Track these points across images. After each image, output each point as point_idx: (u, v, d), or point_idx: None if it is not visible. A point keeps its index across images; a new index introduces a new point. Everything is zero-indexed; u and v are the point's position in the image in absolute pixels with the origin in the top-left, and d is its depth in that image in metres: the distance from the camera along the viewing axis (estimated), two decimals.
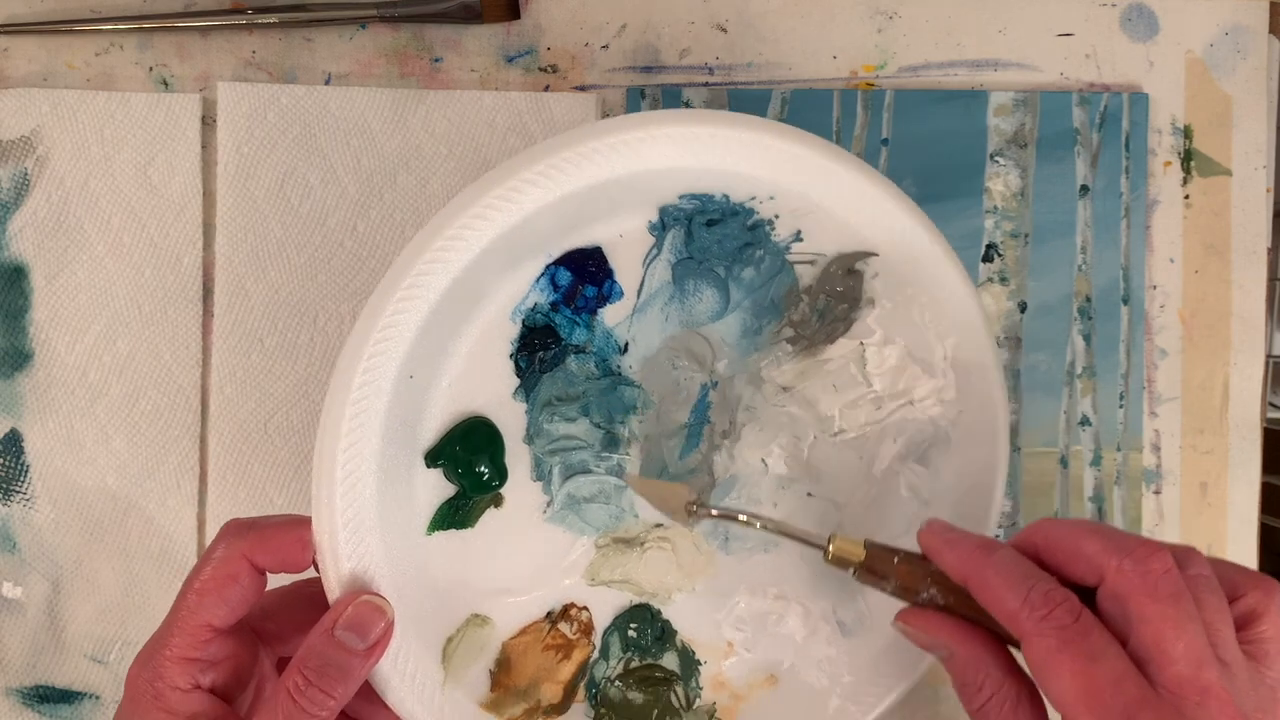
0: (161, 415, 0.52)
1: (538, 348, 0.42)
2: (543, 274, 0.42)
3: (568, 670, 0.43)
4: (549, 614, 0.43)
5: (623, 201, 0.41)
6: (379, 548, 0.39)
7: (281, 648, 0.41)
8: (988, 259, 0.53)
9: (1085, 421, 0.53)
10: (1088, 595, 0.33)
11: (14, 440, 0.52)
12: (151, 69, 0.52)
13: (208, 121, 0.52)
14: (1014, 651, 0.35)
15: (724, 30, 0.53)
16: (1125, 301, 0.53)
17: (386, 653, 0.38)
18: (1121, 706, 0.30)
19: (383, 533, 0.39)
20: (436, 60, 0.53)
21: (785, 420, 0.44)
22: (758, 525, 0.40)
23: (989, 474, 0.42)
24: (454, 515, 0.42)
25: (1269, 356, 0.54)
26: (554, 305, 0.42)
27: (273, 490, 0.52)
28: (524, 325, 0.42)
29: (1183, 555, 0.33)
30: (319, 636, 0.36)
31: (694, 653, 0.44)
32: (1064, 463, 0.53)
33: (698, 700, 0.44)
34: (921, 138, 0.53)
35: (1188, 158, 0.54)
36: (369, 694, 0.38)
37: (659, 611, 0.44)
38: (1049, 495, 0.53)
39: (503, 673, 0.42)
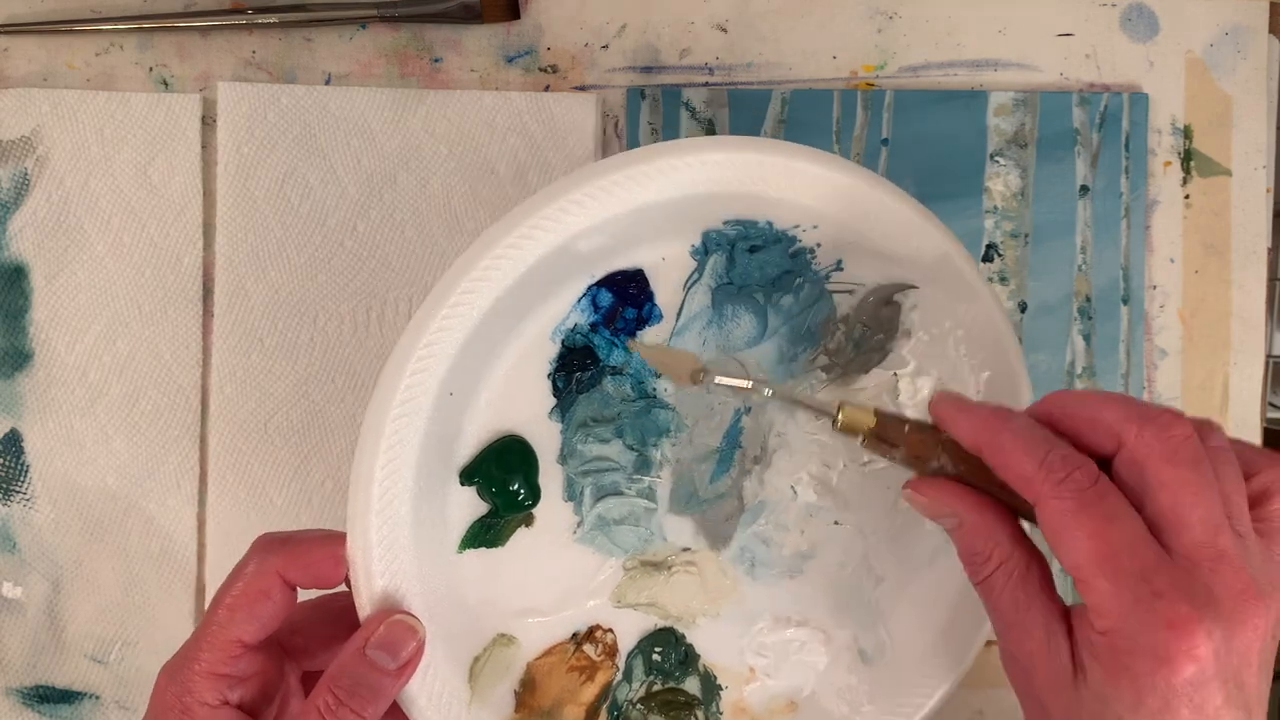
0: (161, 415, 0.52)
1: (576, 368, 0.42)
2: (584, 295, 0.42)
3: (591, 692, 0.43)
4: (574, 635, 0.43)
5: (667, 225, 0.41)
6: (411, 565, 0.39)
7: (307, 662, 0.41)
8: (988, 259, 0.53)
9: None
10: (1103, 467, 0.33)
11: (14, 440, 0.52)
12: (151, 69, 0.52)
13: (208, 121, 0.52)
14: (1024, 525, 0.35)
15: (724, 30, 0.53)
16: (1125, 301, 0.53)
17: (415, 671, 0.38)
18: (1137, 569, 0.30)
19: (415, 550, 0.39)
20: (436, 60, 0.53)
21: (816, 448, 0.43)
22: (765, 392, 0.40)
23: None
24: (485, 534, 0.42)
25: (1269, 356, 0.54)
26: (594, 326, 0.42)
27: (273, 490, 0.52)
28: (563, 345, 0.42)
29: (1202, 427, 0.33)
30: (350, 655, 0.36)
31: (716, 678, 0.44)
32: None
33: None
34: (921, 138, 0.53)
35: (1188, 158, 0.54)
36: (395, 711, 0.38)
37: (683, 635, 0.44)
38: None
39: (527, 693, 0.42)
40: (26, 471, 0.52)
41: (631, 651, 0.43)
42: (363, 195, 0.52)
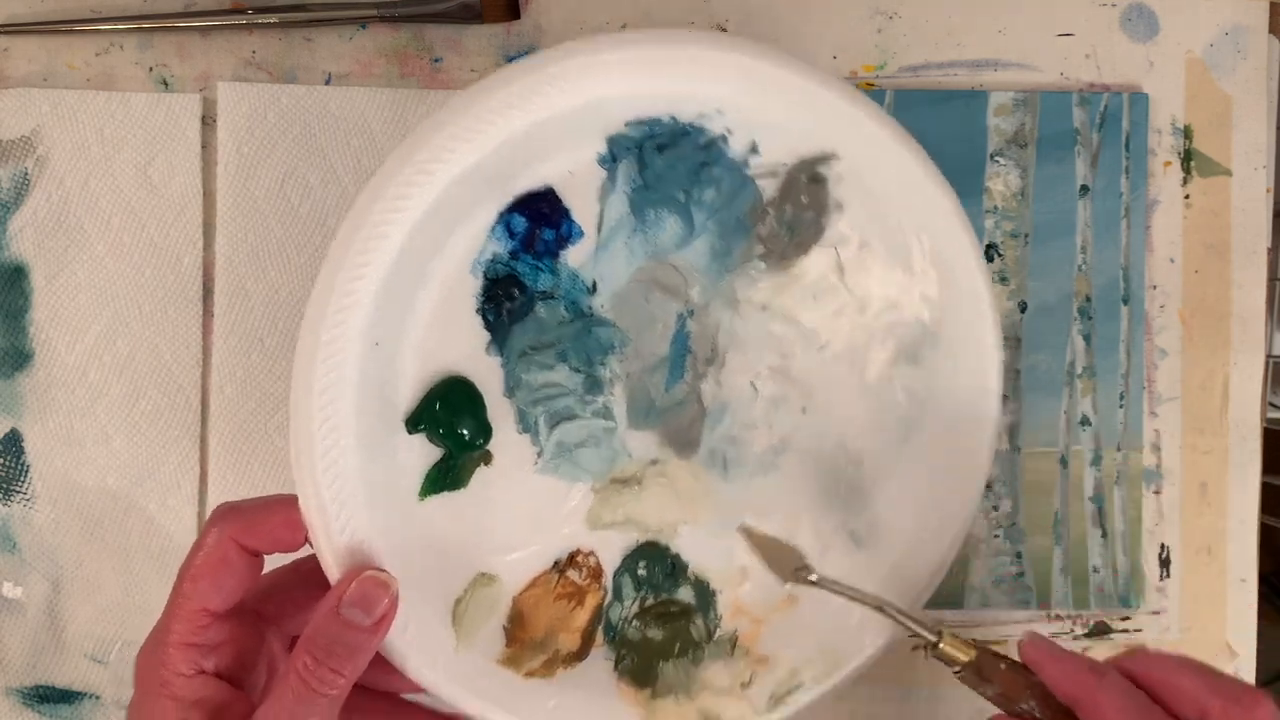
0: (161, 415, 0.52)
1: (503, 299, 0.41)
2: (497, 223, 0.41)
3: (582, 617, 0.42)
4: (556, 563, 0.42)
5: (567, 137, 0.40)
6: (371, 520, 0.39)
7: (288, 626, 0.41)
8: (988, 259, 0.53)
9: (1085, 421, 0.53)
10: None
11: (14, 440, 0.52)
12: (151, 69, 0.52)
13: (208, 121, 0.52)
14: None
15: (724, 30, 0.53)
16: (1125, 301, 0.53)
17: (395, 624, 0.38)
18: None
19: (373, 505, 0.39)
20: (436, 60, 0.53)
21: (769, 340, 0.43)
22: (871, 605, 0.40)
23: (982, 371, 0.41)
24: (444, 478, 0.41)
25: (1269, 356, 0.54)
26: (513, 253, 0.41)
27: (273, 490, 0.52)
28: (486, 278, 0.41)
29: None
30: (324, 616, 0.36)
31: (708, 583, 0.43)
32: (1064, 463, 0.53)
33: (718, 630, 0.43)
34: (921, 138, 0.53)
35: (1188, 158, 0.54)
36: (379, 661, 0.38)
37: (667, 547, 0.43)
38: (1049, 495, 0.53)
39: (517, 628, 0.42)
40: (26, 471, 0.52)
41: (617, 570, 0.43)
42: None
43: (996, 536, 0.53)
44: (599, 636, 0.42)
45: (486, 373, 0.42)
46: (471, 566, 0.41)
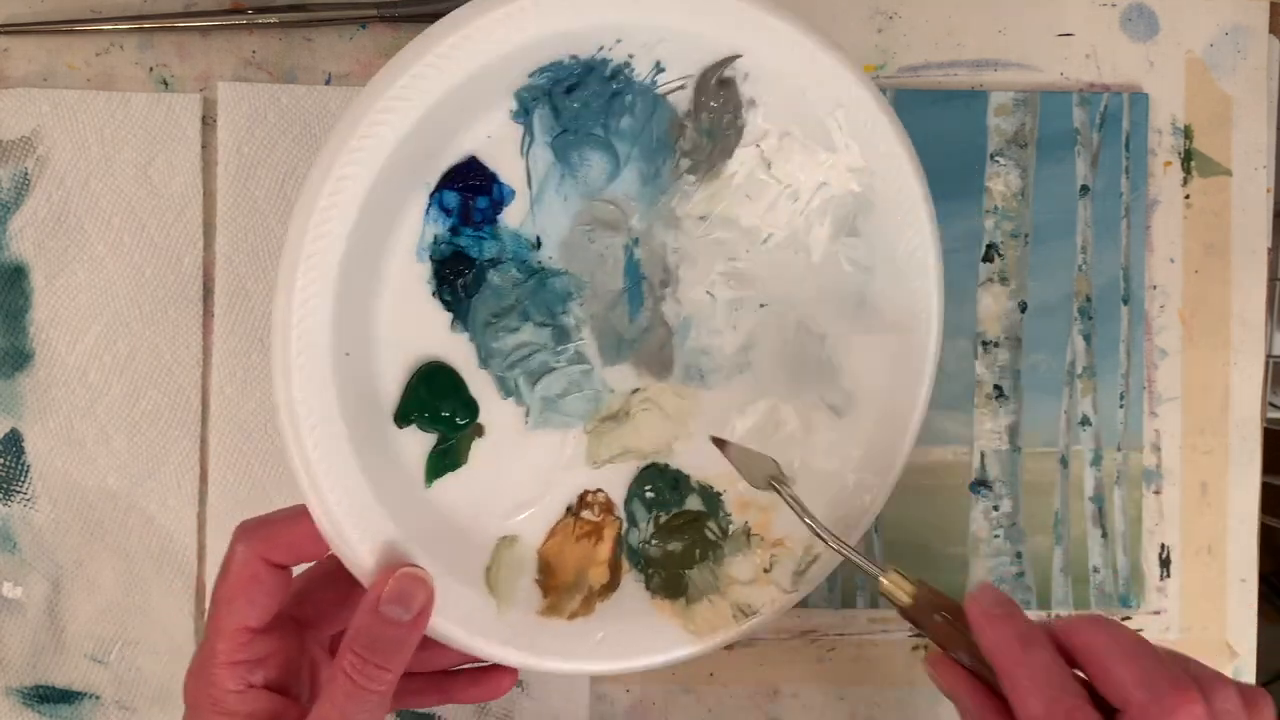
0: (161, 415, 0.52)
1: (455, 276, 0.42)
2: (429, 205, 0.42)
3: (605, 550, 0.44)
4: (569, 509, 0.44)
5: (475, 102, 0.41)
6: (386, 519, 0.40)
7: (327, 627, 0.42)
8: (988, 259, 0.53)
9: (1085, 421, 0.53)
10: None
11: (14, 440, 0.52)
12: (152, 69, 0.52)
13: (208, 121, 0.52)
14: None
15: None
16: (1125, 301, 0.53)
17: (435, 608, 0.39)
18: None
19: (384, 504, 0.40)
20: None
21: (715, 247, 0.44)
22: (830, 543, 0.40)
23: (917, 223, 0.43)
24: (444, 460, 0.43)
25: (1269, 356, 0.55)
26: (453, 230, 0.42)
27: (273, 490, 0.52)
28: (433, 261, 0.42)
29: (1209, 687, 0.33)
30: (365, 615, 0.37)
31: (712, 487, 0.45)
32: (1064, 463, 0.53)
33: (731, 527, 0.45)
34: (921, 138, 0.53)
35: (1188, 158, 0.54)
36: (424, 644, 0.39)
37: (666, 465, 0.45)
38: (1049, 495, 0.53)
39: (548, 578, 0.43)
40: (27, 471, 0.52)
41: (626, 499, 0.45)
42: None
43: (996, 536, 0.53)
44: (625, 563, 0.45)
45: (458, 350, 0.43)
46: (492, 534, 0.43)
